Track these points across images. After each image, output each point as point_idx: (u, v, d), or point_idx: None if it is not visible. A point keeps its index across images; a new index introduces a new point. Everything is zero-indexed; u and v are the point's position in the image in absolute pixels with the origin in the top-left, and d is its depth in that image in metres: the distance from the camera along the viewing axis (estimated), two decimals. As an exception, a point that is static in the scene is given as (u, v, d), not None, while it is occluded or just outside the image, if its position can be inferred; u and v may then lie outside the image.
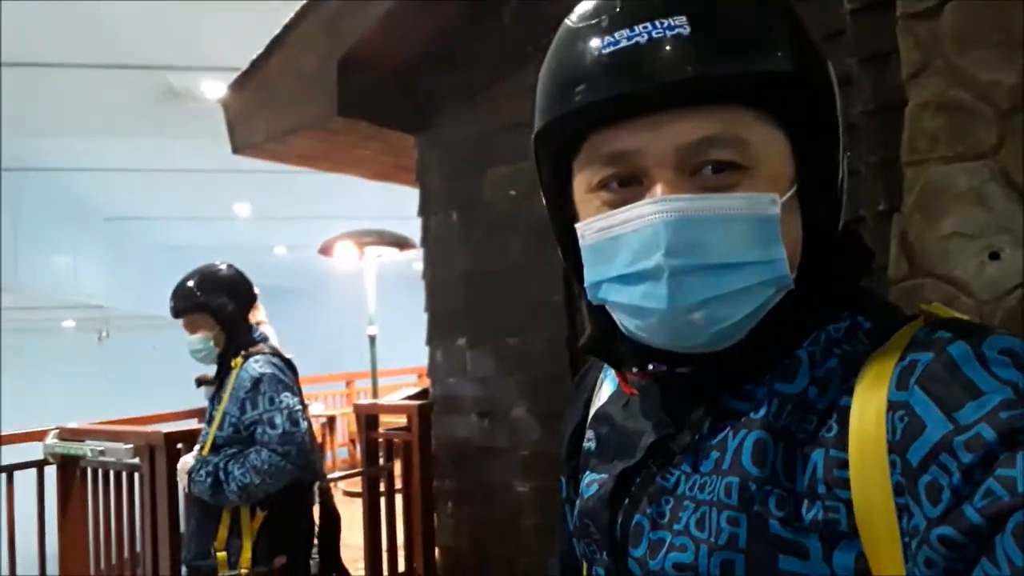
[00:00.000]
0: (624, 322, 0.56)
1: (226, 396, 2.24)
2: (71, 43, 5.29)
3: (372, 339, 5.09)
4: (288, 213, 9.79)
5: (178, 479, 2.30)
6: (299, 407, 2.26)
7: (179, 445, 2.83)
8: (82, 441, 3.31)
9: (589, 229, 0.56)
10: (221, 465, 2.15)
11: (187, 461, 2.24)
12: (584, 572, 0.67)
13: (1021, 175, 1.45)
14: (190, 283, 2.33)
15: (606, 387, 0.71)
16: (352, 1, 2.98)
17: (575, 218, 0.59)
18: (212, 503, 2.18)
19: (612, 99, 0.51)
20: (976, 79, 1.50)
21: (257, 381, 2.22)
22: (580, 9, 0.56)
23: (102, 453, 3.22)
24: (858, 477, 0.46)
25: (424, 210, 3.39)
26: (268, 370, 2.25)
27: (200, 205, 9.61)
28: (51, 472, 3.40)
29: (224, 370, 2.33)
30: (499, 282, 3.07)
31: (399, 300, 8.40)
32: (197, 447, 2.31)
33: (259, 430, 2.16)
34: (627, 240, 0.52)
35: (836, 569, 0.47)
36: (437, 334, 3.29)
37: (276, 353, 2.37)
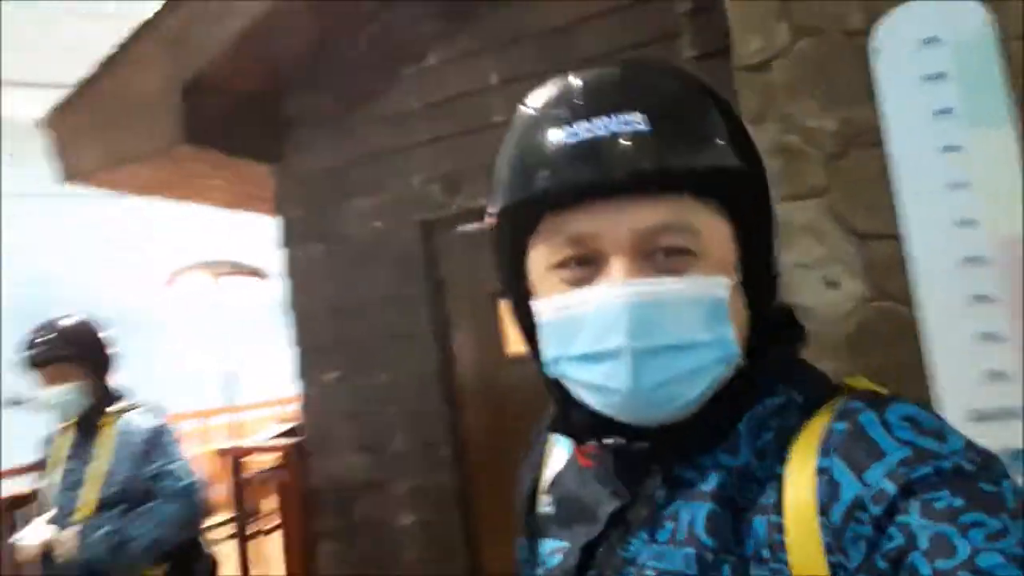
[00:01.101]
0: (585, 398, 0.58)
1: (103, 454, 2.08)
2: None
3: (230, 375, 4.83)
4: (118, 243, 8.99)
5: (55, 550, 2.03)
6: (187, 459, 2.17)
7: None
8: None
9: (549, 306, 0.58)
10: (118, 526, 1.98)
11: (38, 533, 2.01)
12: None
13: (849, 212, 1.63)
14: (56, 331, 2.14)
15: (559, 450, 0.73)
16: (198, 22, 2.82)
17: (528, 294, 0.62)
18: (110, 568, 1.99)
19: (574, 187, 0.54)
20: (805, 126, 1.68)
21: (155, 433, 2.11)
22: (539, 97, 0.60)
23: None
24: (795, 540, 0.51)
25: (287, 241, 3.27)
26: (158, 422, 2.15)
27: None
28: None
29: (88, 427, 2.14)
30: (366, 315, 3.02)
31: (254, 332, 8.01)
32: (45, 513, 2.08)
33: (163, 483, 2.06)
34: (588, 320, 0.55)
35: None
36: (307, 369, 3.19)
37: (150, 407, 2.23)
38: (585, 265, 0.56)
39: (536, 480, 0.73)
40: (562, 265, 0.57)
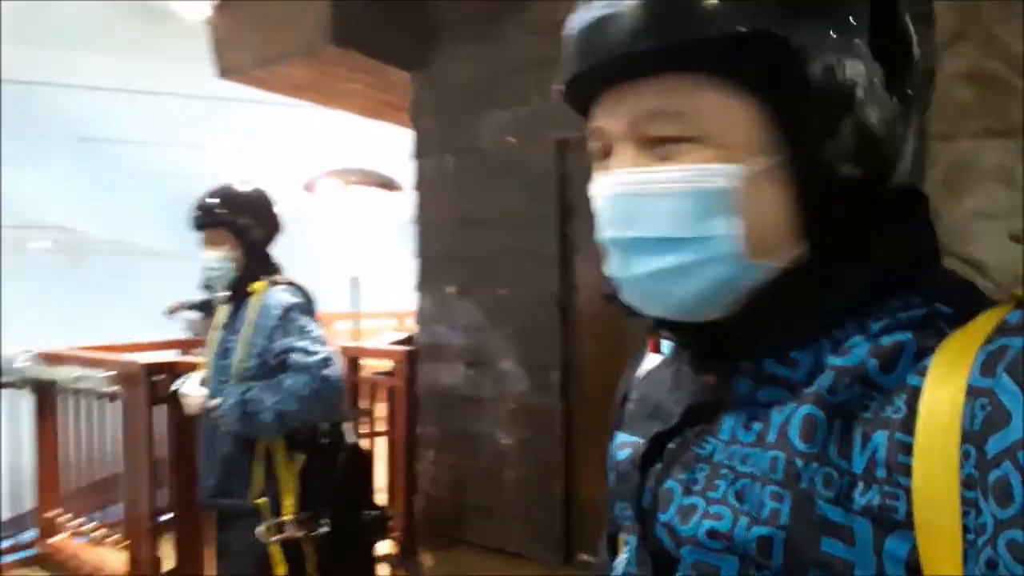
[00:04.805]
0: None
1: (247, 326, 2.10)
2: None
3: (355, 281, 5.01)
4: (265, 146, 9.51)
5: (191, 409, 2.18)
6: (326, 338, 2.16)
7: (156, 377, 2.81)
8: (59, 366, 3.25)
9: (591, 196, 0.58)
10: (250, 395, 2.02)
11: (197, 391, 2.14)
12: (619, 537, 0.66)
13: (1053, 156, 1.40)
14: (216, 197, 2.14)
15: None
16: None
17: None
18: (243, 434, 2.05)
19: (573, 79, 0.54)
20: (1011, 50, 1.45)
21: (287, 310, 2.09)
22: None
23: (77, 380, 3.15)
24: (923, 465, 0.43)
25: (418, 152, 3.29)
26: (297, 299, 2.13)
27: (180, 131, 9.29)
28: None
29: (239, 297, 2.16)
30: (492, 231, 3.01)
31: (380, 242, 8.30)
32: (197, 376, 2.21)
33: (293, 357, 2.04)
34: (599, 210, 0.55)
35: (885, 558, 0.44)
36: (426, 280, 3.23)
37: (296, 284, 2.22)
38: (608, 156, 0.55)
39: (631, 380, 0.71)
40: (595, 156, 0.57)
